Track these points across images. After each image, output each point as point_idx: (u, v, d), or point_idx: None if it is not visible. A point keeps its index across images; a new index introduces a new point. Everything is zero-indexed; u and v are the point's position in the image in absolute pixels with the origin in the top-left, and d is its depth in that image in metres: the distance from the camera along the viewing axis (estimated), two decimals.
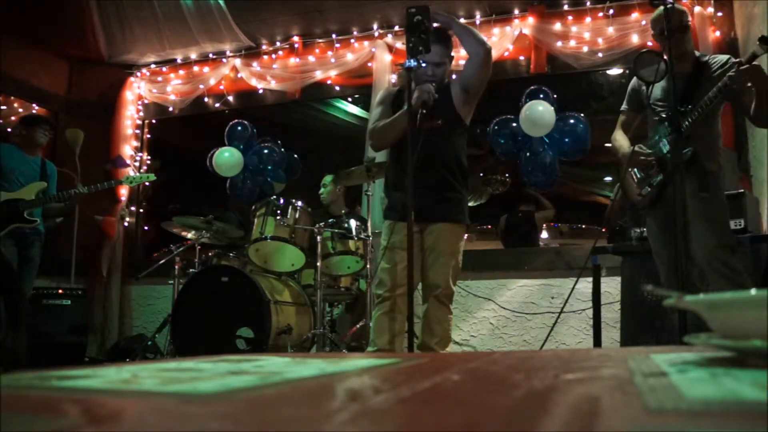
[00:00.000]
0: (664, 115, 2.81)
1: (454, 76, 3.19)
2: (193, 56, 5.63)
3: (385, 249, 2.85)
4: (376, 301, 2.84)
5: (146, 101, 5.87)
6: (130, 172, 5.52)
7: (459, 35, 2.86)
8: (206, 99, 5.67)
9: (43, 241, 4.19)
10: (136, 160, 5.78)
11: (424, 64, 2.63)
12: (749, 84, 2.53)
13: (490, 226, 8.78)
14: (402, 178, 2.69)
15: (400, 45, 4.93)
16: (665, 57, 2.51)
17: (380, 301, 2.80)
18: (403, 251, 2.67)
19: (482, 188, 8.01)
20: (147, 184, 5.28)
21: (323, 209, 4.67)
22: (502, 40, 4.73)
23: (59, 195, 4.17)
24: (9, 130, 4.90)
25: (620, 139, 3.00)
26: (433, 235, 2.80)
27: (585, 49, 4.55)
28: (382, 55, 5.01)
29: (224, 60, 5.54)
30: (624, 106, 3.05)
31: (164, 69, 5.79)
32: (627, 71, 4.84)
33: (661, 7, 2.53)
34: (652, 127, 2.93)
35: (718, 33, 4.27)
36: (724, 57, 2.81)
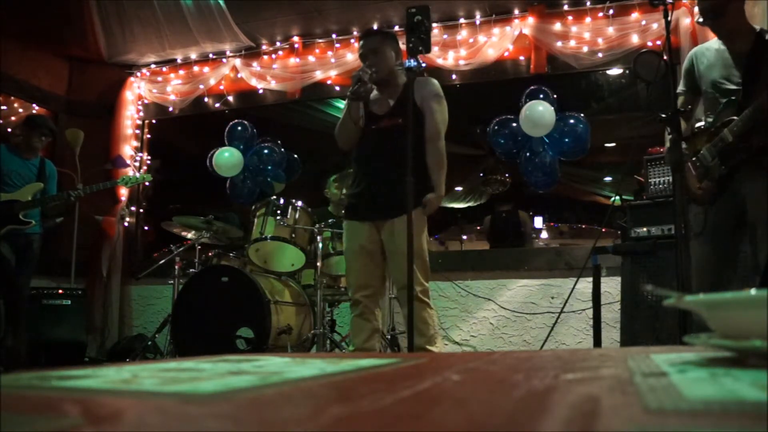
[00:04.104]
0: (724, 99, 2.51)
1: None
2: (193, 56, 5.63)
3: (346, 251, 2.92)
4: (350, 304, 2.92)
5: (146, 101, 5.87)
6: (130, 172, 5.52)
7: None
8: (206, 99, 5.67)
9: (40, 243, 4.18)
10: (136, 160, 5.78)
11: (423, 65, 2.63)
12: None
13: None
14: (358, 176, 2.88)
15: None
16: (665, 57, 2.50)
17: (352, 304, 2.88)
18: (360, 254, 2.81)
19: (482, 188, 8.01)
20: (147, 184, 5.28)
21: (329, 208, 4.66)
22: (502, 40, 4.73)
23: (56, 196, 4.17)
24: (9, 130, 4.89)
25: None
26: (389, 233, 2.76)
27: (585, 49, 4.55)
28: None
29: (224, 60, 5.54)
30: (681, 88, 2.74)
31: (164, 69, 5.78)
32: (627, 71, 4.85)
33: None
34: (711, 109, 2.59)
35: None
36: None
